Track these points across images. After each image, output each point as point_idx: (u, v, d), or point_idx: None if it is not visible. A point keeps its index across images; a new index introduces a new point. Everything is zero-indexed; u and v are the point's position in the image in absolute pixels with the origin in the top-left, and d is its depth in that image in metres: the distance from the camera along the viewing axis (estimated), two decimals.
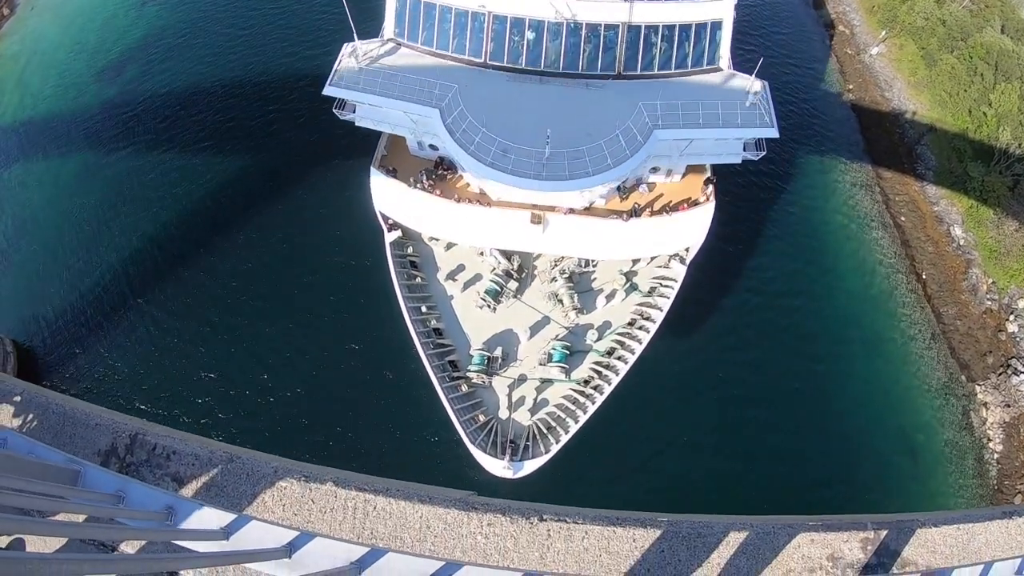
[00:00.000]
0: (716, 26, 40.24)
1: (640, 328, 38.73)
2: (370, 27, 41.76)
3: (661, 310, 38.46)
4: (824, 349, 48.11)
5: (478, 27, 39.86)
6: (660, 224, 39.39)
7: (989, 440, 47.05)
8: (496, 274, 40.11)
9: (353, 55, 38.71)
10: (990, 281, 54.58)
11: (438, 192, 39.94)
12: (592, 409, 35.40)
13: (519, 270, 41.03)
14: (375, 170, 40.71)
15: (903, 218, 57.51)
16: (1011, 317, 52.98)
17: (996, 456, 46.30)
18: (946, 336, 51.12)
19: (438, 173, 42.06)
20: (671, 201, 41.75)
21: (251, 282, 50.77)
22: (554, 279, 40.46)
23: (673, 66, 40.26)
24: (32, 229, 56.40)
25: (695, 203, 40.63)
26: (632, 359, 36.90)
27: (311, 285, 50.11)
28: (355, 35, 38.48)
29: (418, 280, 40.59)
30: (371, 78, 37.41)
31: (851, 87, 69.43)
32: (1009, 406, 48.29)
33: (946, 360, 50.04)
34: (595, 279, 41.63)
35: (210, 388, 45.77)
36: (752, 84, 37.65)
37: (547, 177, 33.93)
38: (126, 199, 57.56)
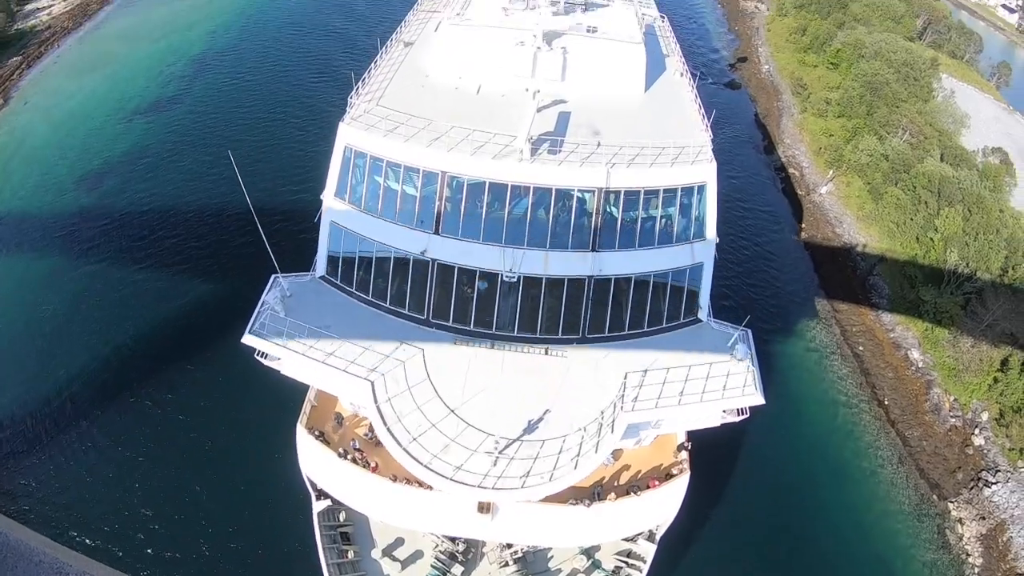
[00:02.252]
0: (695, 273, 36.91)
1: None
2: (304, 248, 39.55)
3: None
4: (791, 482, 48.98)
5: (419, 277, 35.26)
6: (627, 506, 34.01)
7: (968, 555, 47.29)
8: (439, 554, 35.35)
9: (279, 296, 34.66)
10: (952, 399, 56.54)
11: (374, 465, 34.20)
12: None
13: (465, 552, 35.96)
14: (301, 430, 35.59)
15: (861, 348, 60.33)
16: (976, 431, 54.51)
17: (977, 570, 46.33)
18: (913, 458, 52.39)
19: (374, 439, 35.26)
20: (640, 472, 36.67)
21: (198, 421, 47.81)
22: (505, 564, 35.36)
23: (646, 323, 35.99)
24: None
25: (668, 474, 35.74)
26: None
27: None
28: (276, 266, 34.78)
29: (350, 555, 35.27)
30: (297, 330, 32.74)
31: (803, 226, 74.55)
32: (984, 518, 48.89)
33: (916, 481, 51.02)
34: (551, 558, 36.61)
35: (146, 526, 42.34)
36: (735, 342, 34.33)
37: (496, 486, 28.99)
38: (87, 312, 56.44)
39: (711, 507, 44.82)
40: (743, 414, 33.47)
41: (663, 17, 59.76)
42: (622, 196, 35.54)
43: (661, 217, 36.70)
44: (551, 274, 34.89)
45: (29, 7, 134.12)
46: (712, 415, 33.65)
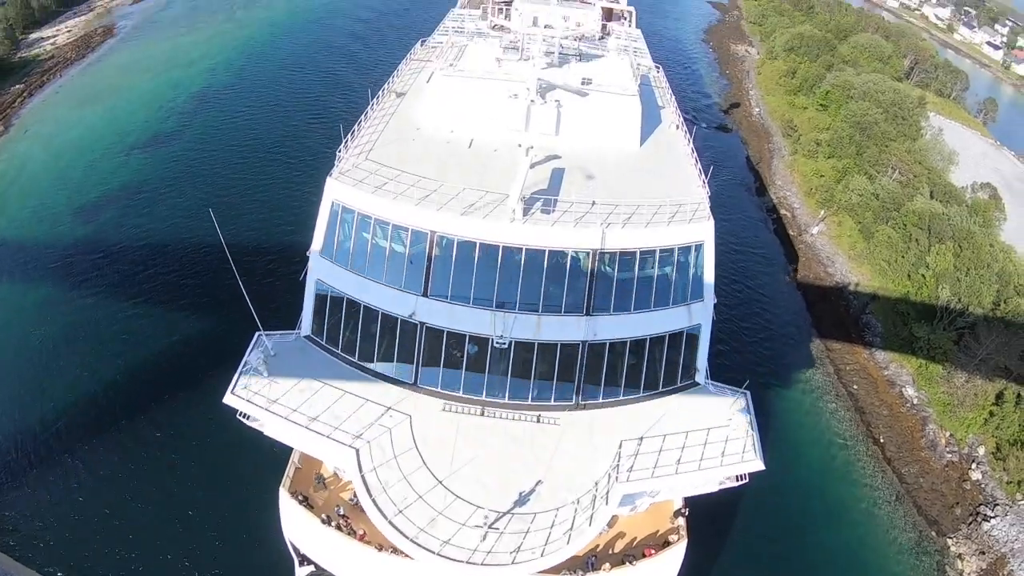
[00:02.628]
0: (692, 336, 35.75)
1: None
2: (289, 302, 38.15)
3: None
4: (789, 524, 48.87)
5: (407, 340, 34.23)
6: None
7: None
8: None
9: (262, 355, 33.46)
10: (948, 434, 56.93)
11: (361, 532, 32.15)
12: None
13: None
14: (284, 493, 34.08)
15: (855, 386, 60.88)
16: (973, 465, 54.81)
17: None
18: (911, 495, 52.51)
19: (360, 504, 32.27)
20: (635, 540, 34.72)
21: (182, 470, 46.76)
22: None
23: (642, 388, 34.82)
24: None
25: (665, 541, 33.98)
26: None
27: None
28: (259, 323, 33.44)
29: None
30: (280, 392, 31.98)
31: (796, 267, 75.66)
32: (984, 552, 48.91)
33: (914, 519, 51.06)
34: None
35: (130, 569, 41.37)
36: (733, 409, 33.24)
37: (485, 561, 27.72)
38: (78, 345, 55.90)
39: (710, 562, 44.05)
40: (742, 479, 32.24)
41: (658, 67, 59.58)
42: (617, 257, 34.40)
43: (658, 277, 35.40)
44: (543, 339, 33.66)
45: (33, 36, 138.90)
46: (710, 482, 32.54)
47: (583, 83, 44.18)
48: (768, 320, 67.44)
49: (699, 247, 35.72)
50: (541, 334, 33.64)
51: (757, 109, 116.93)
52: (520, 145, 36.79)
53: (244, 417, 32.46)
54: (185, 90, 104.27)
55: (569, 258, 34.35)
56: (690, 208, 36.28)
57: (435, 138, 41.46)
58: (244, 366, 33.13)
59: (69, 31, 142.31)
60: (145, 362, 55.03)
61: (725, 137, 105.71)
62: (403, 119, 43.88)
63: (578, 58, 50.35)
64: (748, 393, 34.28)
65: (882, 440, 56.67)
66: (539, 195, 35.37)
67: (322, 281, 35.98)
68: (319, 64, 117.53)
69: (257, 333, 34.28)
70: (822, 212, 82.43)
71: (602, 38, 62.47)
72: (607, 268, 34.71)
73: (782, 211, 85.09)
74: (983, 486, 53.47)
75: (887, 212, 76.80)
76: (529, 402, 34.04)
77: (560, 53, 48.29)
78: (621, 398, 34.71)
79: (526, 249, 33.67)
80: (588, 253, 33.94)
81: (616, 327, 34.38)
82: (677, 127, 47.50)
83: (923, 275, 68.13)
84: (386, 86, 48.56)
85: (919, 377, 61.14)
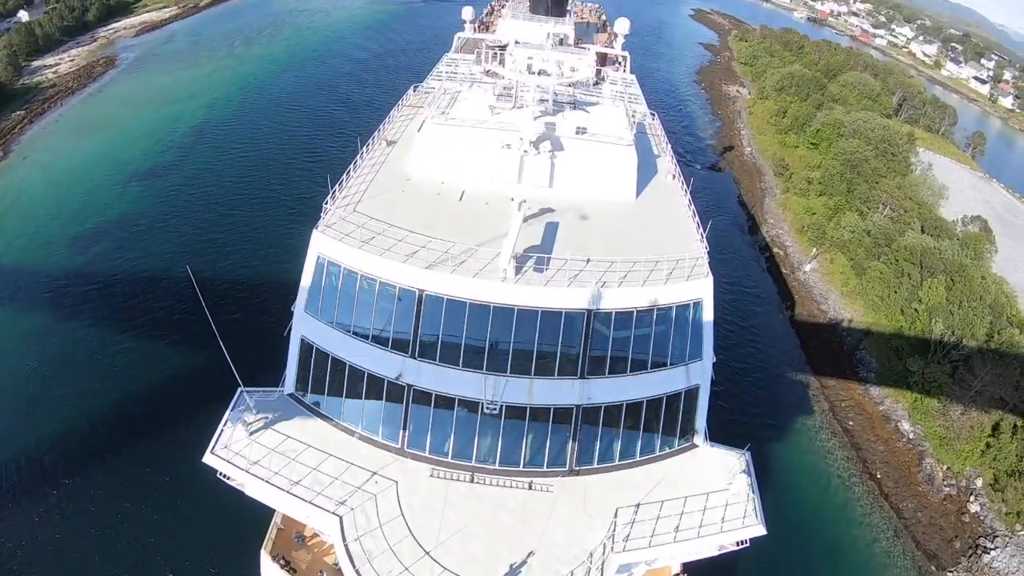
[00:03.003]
0: (690, 397, 34.39)
1: None
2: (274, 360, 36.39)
3: None
4: (787, 563, 48.32)
5: (394, 402, 33.14)
6: None
7: None
8: None
9: (243, 413, 32.38)
10: (945, 467, 57.07)
11: None
12: None
13: None
14: (265, 556, 33.67)
15: (851, 422, 61.16)
16: (971, 498, 54.91)
17: None
18: (909, 530, 52.52)
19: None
20: None
21: (162, 517, 45.43)
22: None
23: (638, 452, 33.63)
24: None
25: None
26: None
27: None
28: (238, 379, 32.19)
29: None
30: (262, 452, 31.08)
31: (789, 304, 76.35)
32: None
33: (913, 553, 51.01)
34: None
35: None
36: (734, 471, 32.16)
37: None
38: (69, 374, 55.28)
39: None
40: (743, 544, 30.83)
41: (653, 114, 58.36)
42: (613, 317, 33.01)
43: (655, 337, 33.92)
44: (536, 403, 32.32)
45: (36, 63, 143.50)
46: (709, 547, 31.05)
47: (578, 132, 43.38)
48: (762, 359, 67.74)
49: (698, 305, 34.42)
50: (534, 398, 32.37)
51: (749, 148, 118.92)
52: (513, 199, 35.47)
53: (224, 476, 31.11)
54: (184, 124, 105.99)
55: (563, 319, 32.83)
56: (688, 264, 35.08)
57: (425, 189, 40.36)
58: (224, 424, 32.05)
59: (72, 60, 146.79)
60: (132, 399, 54.06)
61: (718, 177, 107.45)
62: (393, 168, 42.89)
63: (572, 106, 49.12)
64: (749, 453, 33.09)
65: (879, 476, 56.79)
66: (532, 252, 34.13)
67: (306, 338, 34.55)
68: (315, 103, 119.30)
69: (239, 389, 32.83)
70: (814, 249, 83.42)
71: (597, 83, 61.66)
72: (602, 328, 33.30)
73: (775, 249, 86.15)
74: (982, 518, 53.53)
75: (879, 248, 77.83)
76: (521, 468, 32.64)
77: (555, 101, 47.30)
78: (617, 463, 33.30)
79: (518, 310, 32.36)
80: (583, 314, 32.52)
81: (611, 390, 33.08)
82: (673, 176, 46.43)
83: (916, 309, 68.77)
84: (377, 133, 47.51)
85: (914, 411, 61.47)
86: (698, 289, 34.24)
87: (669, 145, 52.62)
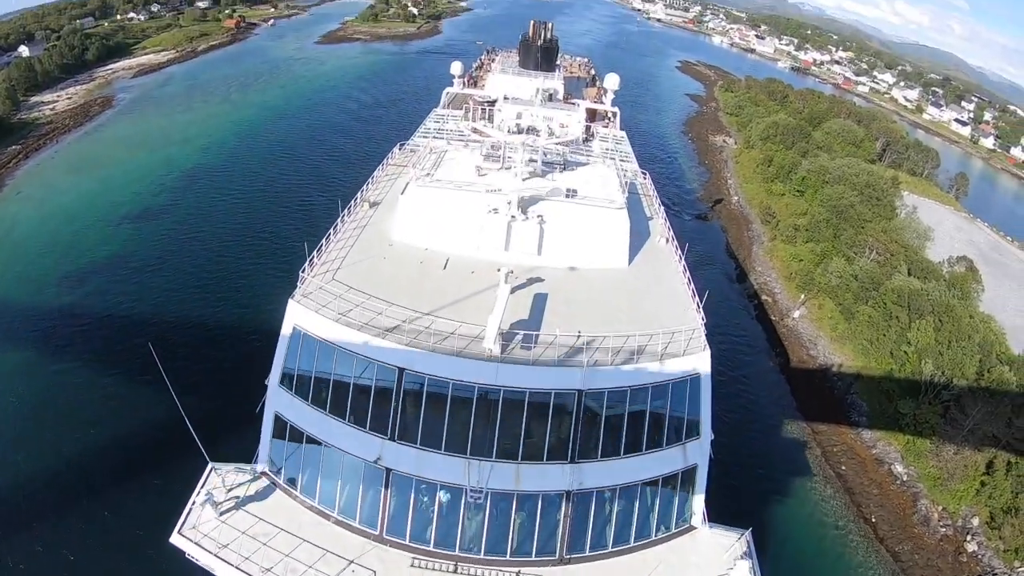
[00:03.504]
0: (688, 477, 32.71)
1: None
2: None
3: None
4: None
5: (372, 486, 31.07)
6: None
7: None
8: None
9: (213, 491, 30.64)
10: (940, 508, 56.94)
11: None
12: None
13: None
14: None
15: (844, 467, 61.13)
16: (968, 537, 54.66)
17: None
18: (907, 573, 52.08)
19: None
20: None
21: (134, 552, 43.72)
22: None
23: (632, 538, 31.66)
24: None
25: None
26: None
27: None
28: (206, 455, 30.88)
29: None
30: (233, 535, 29.22)
31: (779, 351, 76.87)
32: None
33: None
34: None
35: None
36: (734, 554, 30.75)
37: None
38: (52, 415, 54.17)
39: None
40: None
41: (644, 174, 57.07)
42: (605, 396, 31.04)
43: (649, 416, 32.05)
44: (524, 489, 30.14)
45: (34, 99, 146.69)
46: None
47: (567, 195, 41.87)
48: (752, 407, 67.63)
49: (695, 380, 32.60)
50: (521, 484, 30.15)
51: (736, 197, 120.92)
52: (500, 270, 33.92)
53: (193, 558, 29.40)
54: (178, 167, 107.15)
55: (552, 399, 30.78)
56: (684, 336, 33.47)
57: (408, 255, 38.81)
58: (193, 503, 30.28)
59: (69, 98, 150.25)
60: (113, 447, 52.49)
61: (705, 226, 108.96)
62: (375, 232, 41.39)
63: (562, 166, 47.98)
64: (750, 534, 31.37)
65: (874, 519, 56.52)
66: (519, 326, 32.37)
67: (281, 415, 32.67)
68: (307, 153, 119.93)
69: (209, 466, 31.36)
70: (802, 296, 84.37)
71: (587, 140, 61.24)
72: (594, 409, 31.30)
73: (763, 296, 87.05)
74: (980, 557, 53.29)
75: (866, 292, 78.69)
76: (507, 558, 30.38)
77: (544, 160, 46.04)
78: (610, 550, 31.22)
79: (504, 390, 30.20)
80: (573, 394, 30.41)
81: (604, 474, 31.04)
82: (667, 240, 45.01)
83: (905, 352, 69.24)
84: (360, 194, 46.21)
85: (907, 453, 61.56)
86: (695, 363, 32.58)
87: (662, 207, 51.31)
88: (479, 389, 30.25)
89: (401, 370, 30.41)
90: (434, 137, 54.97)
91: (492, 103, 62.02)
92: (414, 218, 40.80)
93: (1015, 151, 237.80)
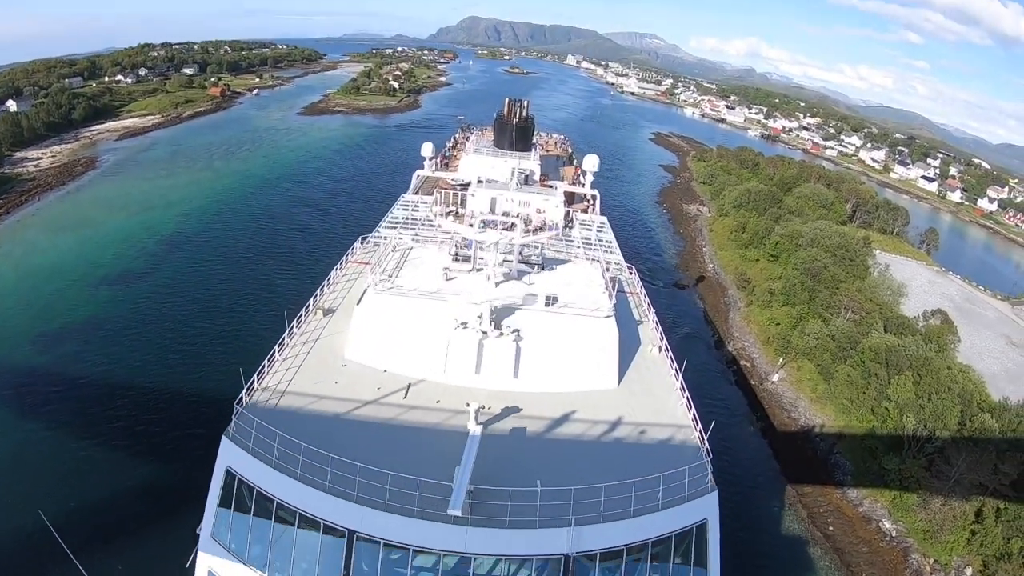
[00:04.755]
0: None
1: None
2: None
3: None
4: None
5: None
6: None
7: None
8: None
9: None
10: (931, 561, 56.31)
11: None
12: None
13: None
14: None
15: (831, 527, 60.53)
16: None
17: None
18: None
19: None
20: None
21: None
22: None
23: None
24: None
25: None
26: None
27: None
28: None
29: None
30: None
31: (759, 416, 76.98)
32: None
33: None
34: None
35: None
36: None
37: None
38: (21, 476, 52.82)
39: None
40: None
41: (631, 268, 52.56)
42: (597, 562, 26.35)
43: None
44: (517, 553, 25.92)
45: (19, 155, 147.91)
46: None
47: (547, 302, 37.69)
48: (735, 474, 65.43)
49: (701, 528, 28.24)
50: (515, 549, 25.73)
51: (711, 265, 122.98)
52: (469, 404, 29.46)
53: None
54: (158, 232, 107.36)
55: (533, 569, 26.16)
56: (687, 475, 28.60)
57: (364, 379, 34.12)
58: None
59: (54, 156, 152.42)
60: (84, 512, 50.05)
61: (681, 294, 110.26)
62: (328, 349, 36.63)
63: (540, 266, 43.87)
64: None
65: None
66: (492, 477, 27.08)
67: (214, 573, 28.19)
68: (283, 227, 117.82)
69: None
70: (781, 359, 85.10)
71: (566, 225, 56.21)
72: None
73: (742, 362, 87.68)
74: None
75: (844, 352, 79.49)
76: None
77: (520, 260, 42.59)
78: None
79: (476, 558, 25.61)
80: (559, 559, 25.67)
81: None
82: (660, 350, 40.81)
83: (886, 408, 69.39)
84: (312, 300, 41.21)
85: (895, 508, 61.25)
86: (701, 509, 28.26)
87: (652, 309, 46.65)
88: (443, 558, 25.68)
89: (351, 533, 25.72)
90: (402, 227, 51.30)
91: (465, 187, 58.29)
92: (371, 333, 36.37)
93: (982, 202, 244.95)
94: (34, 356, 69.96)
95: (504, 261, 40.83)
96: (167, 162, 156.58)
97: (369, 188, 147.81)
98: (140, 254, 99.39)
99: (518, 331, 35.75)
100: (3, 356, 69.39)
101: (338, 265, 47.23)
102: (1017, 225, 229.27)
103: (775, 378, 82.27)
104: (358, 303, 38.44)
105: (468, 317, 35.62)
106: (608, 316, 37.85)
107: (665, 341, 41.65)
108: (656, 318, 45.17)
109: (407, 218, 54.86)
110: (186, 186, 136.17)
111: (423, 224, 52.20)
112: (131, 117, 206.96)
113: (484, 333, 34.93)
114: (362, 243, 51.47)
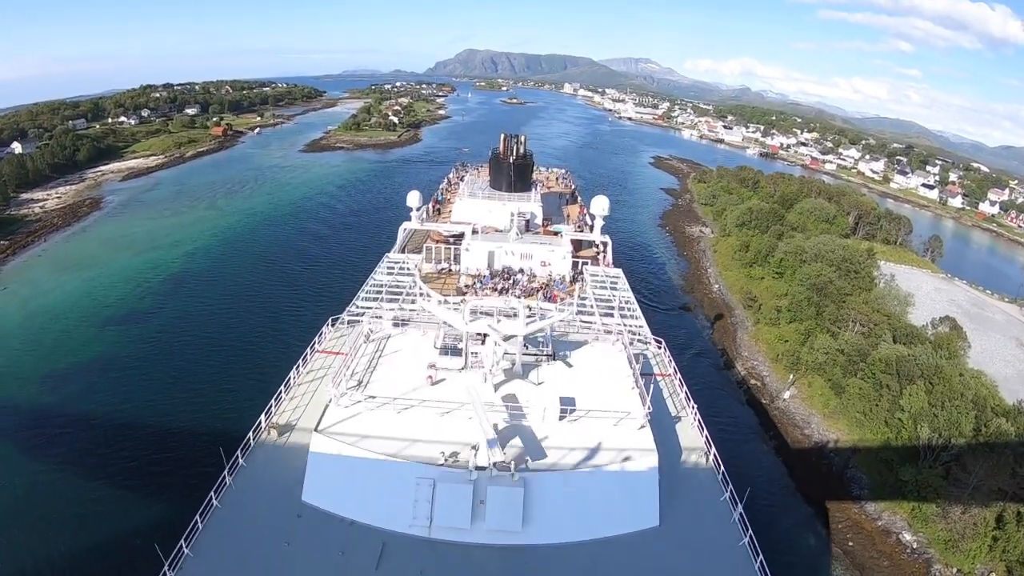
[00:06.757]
0: None
1: None
2: None
3: None
4: None
5: None
6: None
7: None
8: None
9: None
10: (954, 570, 55.87)
11: None
12: None
13: None
14: None
15: (851, 543, 60.11)
16: None
17: None
18: None
19: None
20: None
21: None
22: None
23: None
24: None
25: None
26: None
27: None
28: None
29: None
30: None
31: (772, 434, 76.71)
32: None
33: None
34: None
35: None
36: None
37: None
38: (28, 517, 52.50)
39: None
40: None
41: (659, 342, 43.54)
42: None
43: None
44: None
45: (24, 196, 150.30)
46: None
47: (563, 412, 29.81)
48: (751, 494, 66.24)
49: None
50: None
51: (716, 286, 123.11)
52: None
53: None
54: (163, 271, 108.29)
55: None
56: None
57: (323, 538, 25.56)
58: None
59: (59, 197, 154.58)
60: (90, 554, 49.34)
61: (687, 316, 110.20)
62: (279, 492, 27.52)
63: (550, 356, 35.26)
64: None
65: None
66: None
67: None
68: (286, 265, 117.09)
69: None
70: (791, 376, 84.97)
71: (575, 280, 52.06)
72: None
73: (752, 381, 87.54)
74: None
75: (854, 365, 79.31)
76: None
77: (525, 340, 34.50)
78: None
79: None
80: None
81: None
82: (708, 458, 32.15)
83: (900, 419, 69.24)
84: (265, 416, 32.02)
85: (914, 520, 60.79)
86: None
87: (692, 402, 36.47)
88: None
89: None
90: (384, 300, 44.10)
91: (459, 238, 54.82)
92: (332, 473, 27.24)
93: (983, 206, 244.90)
94: (42, 396, 70.19)
95: (506, 355, 32.99)
96: (171, 201, 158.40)
97: (370, 223, 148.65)
98: (146, 293, 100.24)
99: (526, 462, 27.19)
100: (11, 396, 69.70)
101: (300, 360, 37.63)
102: (1020, 227, 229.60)
103: (786, 395, 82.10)
104: (317, 426, 29.68)
105: (458, 447, 27.60)
106: (643, 427, 30.00)
107: (712, 446, 33.28)
108: (696, 410, 36.03)
109: (390, 286, 47.05)
110: (190, 225, 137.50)
111: (407, 294, 44.80)
112: (135, 158, 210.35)
113: (483, 469, 26.42)
114: (332, 326, 42.26)
